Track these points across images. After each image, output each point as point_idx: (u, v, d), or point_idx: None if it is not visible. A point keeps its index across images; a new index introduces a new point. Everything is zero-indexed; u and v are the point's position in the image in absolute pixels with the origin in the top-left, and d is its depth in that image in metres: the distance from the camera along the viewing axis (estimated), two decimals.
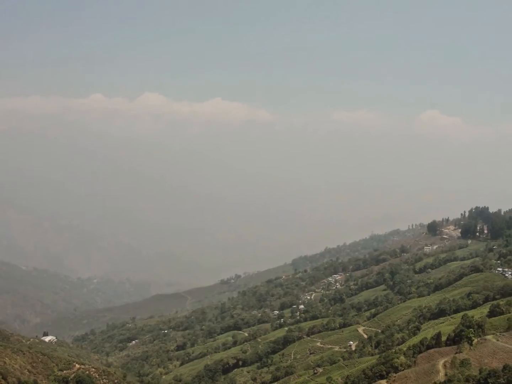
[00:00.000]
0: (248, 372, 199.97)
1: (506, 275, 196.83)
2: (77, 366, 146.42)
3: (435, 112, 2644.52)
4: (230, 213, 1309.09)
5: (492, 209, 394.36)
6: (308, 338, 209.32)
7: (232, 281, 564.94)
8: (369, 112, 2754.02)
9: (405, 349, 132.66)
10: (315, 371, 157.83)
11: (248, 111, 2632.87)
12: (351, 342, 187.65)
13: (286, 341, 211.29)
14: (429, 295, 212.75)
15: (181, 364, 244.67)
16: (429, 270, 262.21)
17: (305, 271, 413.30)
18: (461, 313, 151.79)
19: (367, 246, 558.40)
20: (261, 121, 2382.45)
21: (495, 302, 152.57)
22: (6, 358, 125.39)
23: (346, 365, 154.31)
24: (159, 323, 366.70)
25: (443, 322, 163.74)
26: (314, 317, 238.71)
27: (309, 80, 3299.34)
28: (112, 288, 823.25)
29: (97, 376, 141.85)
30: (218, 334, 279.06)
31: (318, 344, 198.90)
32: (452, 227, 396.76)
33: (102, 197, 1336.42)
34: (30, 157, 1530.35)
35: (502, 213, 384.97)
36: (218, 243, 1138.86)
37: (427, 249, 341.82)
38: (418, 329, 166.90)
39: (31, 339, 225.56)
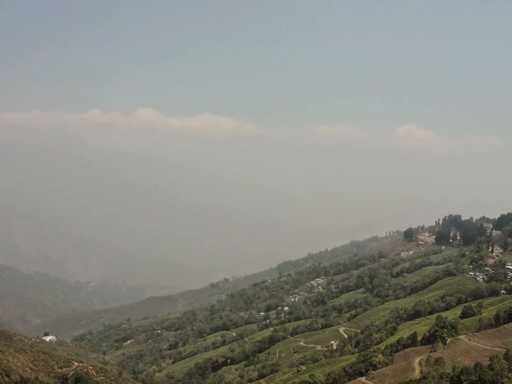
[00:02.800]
0: (236, 369, 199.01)
1: (478, 279, 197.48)
2: (76, 364, 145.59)
3: (411, 126, 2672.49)
4: (219, 220, 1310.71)
5: (464, 217, 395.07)
6: (292, 337, 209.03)
7: (221, 284, 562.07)
8: (349, 127, 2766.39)
9: (383, 348, 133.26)
10: (299, 369, 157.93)
11: (236, 125, 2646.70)
12: (332, 342, 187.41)
13: (272, 341, 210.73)
14: (405, 297, 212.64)
15: (173, 362, 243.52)
16: (406, 274, 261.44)
17: (289, 275, 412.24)
18: (436, 315, 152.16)
19: (347, 251, 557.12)
20: (248, 135, 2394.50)
21: (467, 304, 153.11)
22: (9, 357, 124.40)
23: (327, 363, 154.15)
24: (153, 323, 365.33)
25: (418, 323, 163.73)
26: (298, 318, 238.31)
27: (293, 96, 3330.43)
28: (109, 291, 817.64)
29: (95, 374, 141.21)
30: (208, 334, 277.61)
31: (302, 343, 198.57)
32: (427, 234, 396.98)
33: (99, 205, 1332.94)
34: (31, 168, 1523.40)
35: (474, 220, 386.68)
36: (208, 248, 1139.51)
37: (403, 254, 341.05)
38: (395, 329, 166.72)
39: (33, 339, 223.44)
